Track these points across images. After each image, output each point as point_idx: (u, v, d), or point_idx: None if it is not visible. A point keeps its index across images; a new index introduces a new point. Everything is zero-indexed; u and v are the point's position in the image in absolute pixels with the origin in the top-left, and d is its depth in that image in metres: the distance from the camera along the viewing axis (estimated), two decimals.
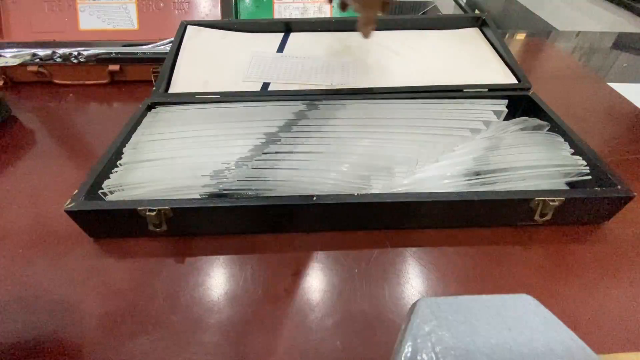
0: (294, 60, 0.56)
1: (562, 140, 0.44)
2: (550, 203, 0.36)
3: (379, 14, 0.46)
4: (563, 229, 0.40)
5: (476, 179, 0.40)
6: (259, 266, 0.36)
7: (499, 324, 0.18)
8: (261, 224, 0.39)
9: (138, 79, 0.66)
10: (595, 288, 0.34)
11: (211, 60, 0.58)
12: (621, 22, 1.46)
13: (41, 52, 0.64)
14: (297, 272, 0.36)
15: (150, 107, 0.50)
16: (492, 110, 0.48)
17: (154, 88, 0.53)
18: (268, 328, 0.31)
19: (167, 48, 0.62)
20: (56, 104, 0.61)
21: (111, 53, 0.64)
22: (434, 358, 0.16)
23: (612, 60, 0.80)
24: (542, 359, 0.16)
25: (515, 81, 0.54)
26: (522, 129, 0.47)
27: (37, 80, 0.66)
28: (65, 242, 0.38)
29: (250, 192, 0.38)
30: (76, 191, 0.37)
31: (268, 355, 0.30)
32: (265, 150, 0.42)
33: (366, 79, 0.54)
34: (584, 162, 0.40)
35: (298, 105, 0.49)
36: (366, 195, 0.36)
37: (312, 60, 0.57)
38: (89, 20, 0.77)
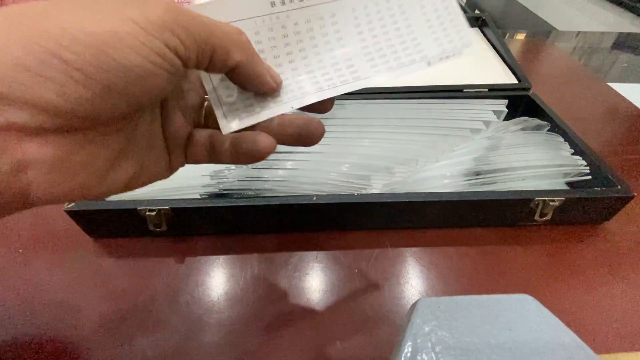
0: None
1: (562, 140, 0.44)
2: (550, 203, 0.36)
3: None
4: (563, 229, 0.40)
5: (476, 179, 0.41)
6: (259, 266, 0.36)
7: (499, 324, 0.18)
8: (261, 224, 0.39)
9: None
10: (595, 288, 0.34)
11: None
12: (621, 22, 1.46)
13: None
14: (297, 272, 0.36)
15: None
16: (492, 110, 0.48)
17: None
18: (268, 328, 0.31)
19: None
20: None
21: None
22: (434, 358, 0.16)
23: (612, 60, 0.80)
24: (542, 359, 0.16)
25: (515, 81, 0.54)
26: (522, 129, 0.47)
27: None
28: (65, 242, 0.38)
29: (250, 192, 0.38)
30: None
31: (268, 355, 0.30)
32: None
33: None
34: (584, 162, 0.40)
35: None
36: (366, 195, 0.36)
37: None
38: None
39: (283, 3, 0.21)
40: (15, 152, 0.12)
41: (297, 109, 0.21)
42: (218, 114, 0.20)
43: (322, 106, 0.21)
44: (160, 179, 0.19)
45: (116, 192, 0.16)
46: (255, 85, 0.19)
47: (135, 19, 0.13)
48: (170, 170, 0.20)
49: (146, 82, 0.14)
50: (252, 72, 0.18)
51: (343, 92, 0.22)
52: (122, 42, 0.12)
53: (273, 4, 0.21)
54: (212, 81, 0.20)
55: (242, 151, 0.19)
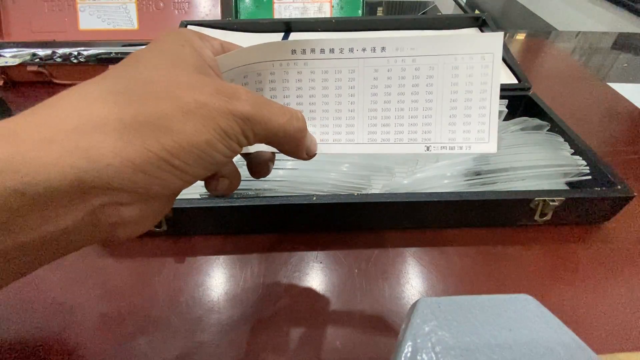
0: None
1: (562, 140, 0.44)
2: (550, 203, 0.36)
3: None
4: (563, 229, 0.40)
5: (476, 179, 0.40)
6: (259, 266, 0.36)
7: (499, 324, 0.18)
8: (261, 224, 0.39)
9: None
10: (595, 288, 0.34)
11: None
12: (621, 22, 1.46)
13: (41, 52, 0.64)
14: (297, 272, 0.36)
15: None
16: None
17: None
18: (268, 328, 0.31)
19: None
20: None
21: (111, 53, 0.64)
22: (434, 358, 0.16)
23: (612, 60, 0.80)
24: (542, 359, 0.16)
25: (515, 81, 0.53)
26: (522, 129, 0.47)
27: (37, 80, 0.66)
28: None
29: (250, 192, 0.38)
30: None
31: (268, 355, 0.30)
32: None
33: None
34: (584, 162, 0.40)
35: None
36: (366, 195, 0.36)
37: None
38: (89, 20, 0.77)
39: (304, 52, 0.21)
40: (112, 217, 0.16)
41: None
42: None
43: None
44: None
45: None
46: (290, 155, 0.21)
47: (224, 128, 0.16)
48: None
49: (217, 168, 0.18)
50: (293, 155, 0.21)
51: (331, 152, 0.22)
52: (214, 147, 0.16)
53: (294, 52, 0.21)
54: None
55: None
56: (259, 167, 0.23)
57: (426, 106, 0.21)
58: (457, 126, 0.21)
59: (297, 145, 0.20)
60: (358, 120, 0.22)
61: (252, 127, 0.17)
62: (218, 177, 0.21)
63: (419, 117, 0.22)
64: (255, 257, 0.37)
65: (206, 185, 0.21)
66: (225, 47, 0.21)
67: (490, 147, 0.21)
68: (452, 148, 0.22)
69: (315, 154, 0.22)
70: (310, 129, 0.22)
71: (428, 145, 0.22)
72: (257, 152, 0.23)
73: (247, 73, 0.21)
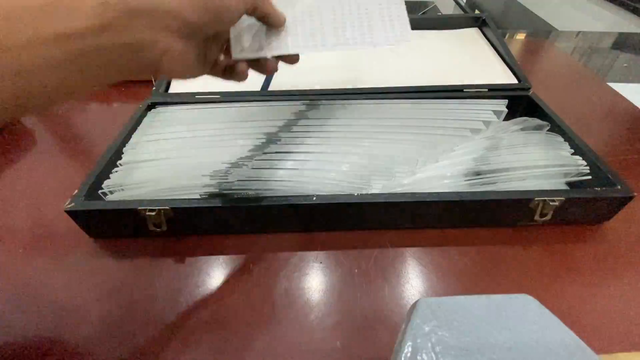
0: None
1: (562, 140, 0.44)
2: (550, 203, 0.36)
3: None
4: (563, 229, 0.40)
5: (476, 179, 0.41)
6: (259, 266, 0.36)
7: (499, 324, 0.18)
8: (261, 224, 0.39)
9: (138, 79, 0.66)
10: (595, 288, 0.34)
11: None
12: (621, 22, 1.46)
13: None
14: (297, 272, 0.36)
15: (150, 107, 0.50)
16: (492, 110, 0.48)
17: (154, 88, 0.53)
18: (268, 328, 0.31)
19: None
20: None
21: None
22: (434, 358, 0.16)
23: (612, 60, 0.80)
24: (542, 359, 0.16)
25: (515, 81, 0.54)
26: (522, 129, 0.47)
27: None
28: (65, 242, 0.38)
29: (250, 192, 0.38)
30: (76, 191, 0.37)
31: (268, 355, 0.30)
32: (265, 150, 0.42)
33: (366, 79, 0.54)
34: (584, 162, 0.40)
35: (298, 105, 0.49)
36: (366, 195, 0.36)
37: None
38: None
39: None
40: (166, 42, 0.23)
41: (274, 57, 0.31)
42: (236, 48, 0.30)
43: (291, 58, 0.32)
44: (197, 75, 0.29)
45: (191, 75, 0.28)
46: (272, 21, 0.30)
47: None
48: (202, 73, 0.30)
49: (228, 18, 0.26)
50: (267, 14, 0.29)
51: (311, 52, 0.31)
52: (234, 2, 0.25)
53: None
54: (240, 29, 0.30)
55: (256, 67, 0.32)
56: (261, 68, 0.31)
57: (368, 17, 0.32)
58: (385, 24, 0.32)
59: (267, 6, 0.29)
60: (327, 28, 0.32)
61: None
62: (218, 61, 0.30)
63: (364, 26, 0.32)
64: (256, 257, 0.37)
65: (223, 73, 0.32)
66: None
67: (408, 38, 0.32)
68: (390, 45, 0.32)
69: (284, 20, 0.31)
70: (294, 39, 0.31)
71: (375, 43, 0.32)
72: (266, 59, 0.31)
73: None
